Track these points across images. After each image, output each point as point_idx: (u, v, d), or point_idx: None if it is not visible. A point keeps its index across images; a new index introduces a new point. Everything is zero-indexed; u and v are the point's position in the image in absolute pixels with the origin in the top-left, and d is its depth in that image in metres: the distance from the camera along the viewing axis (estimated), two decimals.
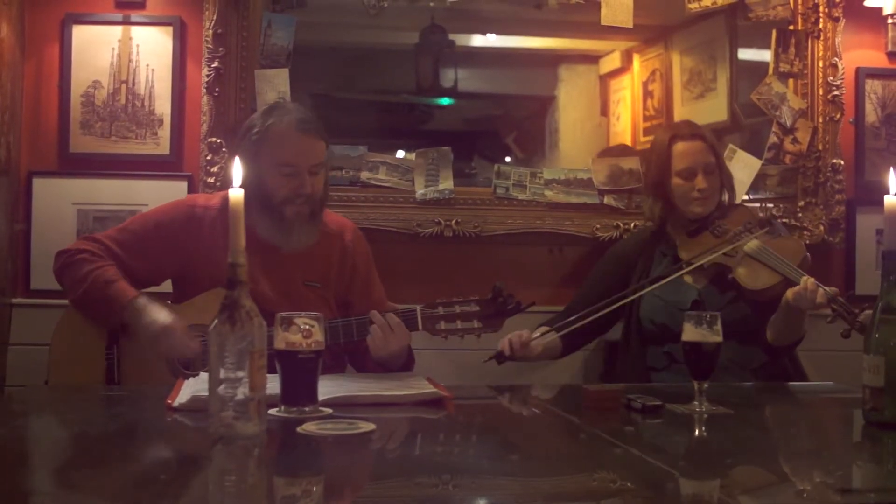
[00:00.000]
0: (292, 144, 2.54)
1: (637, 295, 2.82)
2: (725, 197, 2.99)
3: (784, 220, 3.37)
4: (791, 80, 3.52)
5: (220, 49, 3.22)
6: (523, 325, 2.61)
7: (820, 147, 3.49)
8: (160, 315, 2.41)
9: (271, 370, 1.78)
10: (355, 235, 2.77)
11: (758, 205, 3.40)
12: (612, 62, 3.68)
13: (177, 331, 2.39)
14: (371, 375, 2.40)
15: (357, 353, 2.59)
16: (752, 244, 2.80)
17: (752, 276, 2.76)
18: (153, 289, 2.66)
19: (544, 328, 2.80)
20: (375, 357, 2.43)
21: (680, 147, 2.91)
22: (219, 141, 3.20)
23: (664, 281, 2.78)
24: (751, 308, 2.78)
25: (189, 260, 2.58)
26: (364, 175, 3.32)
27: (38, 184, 3.21)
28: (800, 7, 3.51)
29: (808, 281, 2.59)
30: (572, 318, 2.78)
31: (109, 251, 2.55)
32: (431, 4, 3.47)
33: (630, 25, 3.43)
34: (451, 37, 3.58)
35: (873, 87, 3.58)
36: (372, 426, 1.80)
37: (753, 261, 2.78)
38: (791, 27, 3.52)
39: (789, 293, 2.62)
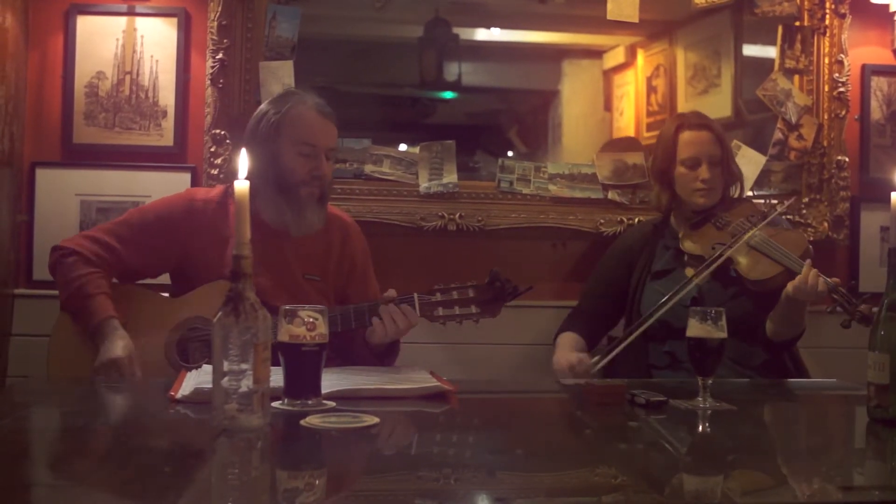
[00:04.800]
0: (312, 125, 2.58)
1: (687, 290, 2.76)
2: (736, 192, 2.99)
3: (788, 217, 3.37)
4: (797, 77, 3.52)
5: (225, 41, 3.21)
6: (522, 312, 2.59)
7: (825, 144, 3.48)
8: (117, 346, 2.40)
9: (275, 363, 1.78)
10: (355, 230, 2.78)
11: (762, 201, 3.39)
12: (615, 57, 3.67)
13: (123, 366, 2.38)
14: (374, 369, 2.39)
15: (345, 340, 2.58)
16: (755, 237, 2.80)
17: (754, 266, 2.75)
18: (151, 281, 2.66)
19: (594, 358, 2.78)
20: (371, 342, 2.44)
21: (686, 136, 2.91)
22: (223, 133, 3.20)
23: (685, 291, 2.73)
24: (752, 304, 2.77)
25: (188, 253, 2.58)
26: (368, 168, 3.32)
27: (42, 174, 3.21)
28: (806, 3, 3.50)
29: (808, 272, 2.59)
30: (619, 340, 2.77)
31: (106, 247, 2.55)
32: None
33: (636, 20, 3.42)
34: (456, 30, 3.57)
35: (879, 84, 3.58)
36: (375, 420, 1.80)
37: (755, 252, 2.77)
38: (797, 23, 3.51)
39: (789, 285, 2.62)
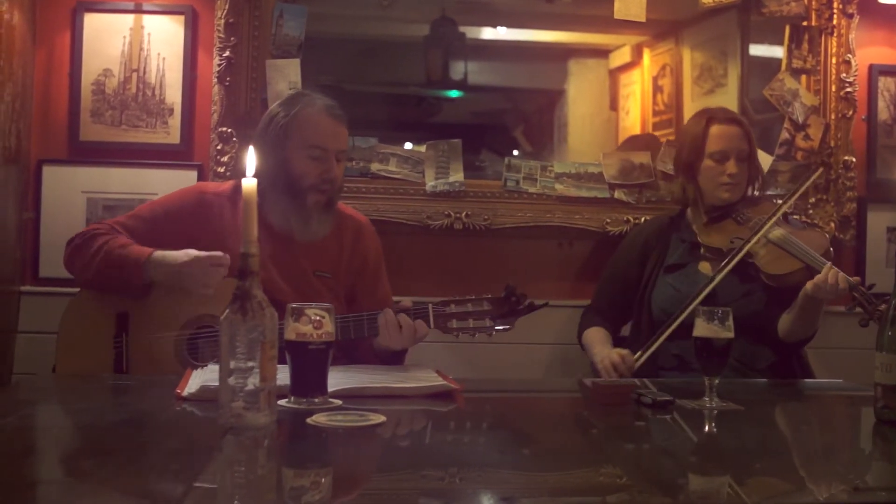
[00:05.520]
0: (323, 128, 2.56)
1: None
2: (755, 190, 2.98)
3: (794, 217, 3.36)
4: (804, 77, 3.51)
5: (232, 38, 3.22)
6: (535, 322, 2.58)
7: (832, 144, 3.48)
8: (182, 254, 2.42)
9: (281, 360, 1.78)
10: (368, 230, 2.77)
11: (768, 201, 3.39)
12: (622, 57, 3.67)
13: (203, 258, 2.40)
14: (381, 367, 2.39)
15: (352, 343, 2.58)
16: (776, 232, 2.80)
17: (774, 261, 2.75)
18: None
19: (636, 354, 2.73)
20: (379, 348, 2.44)
21: (716, 130, 2.91)
22: (229, 130, 3.20)
23: (722, 275, 2.73)
24: (764, 302, 2.77)
25: (197, 246, 2.57)
26: (374, 166, 3.32)
27: (48, 172, 3.21)
28: (813, 3, 3.49)
29: (829, 269, 2.59)
30: (658, 333, 2.72)
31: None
32: None
33: (643, 19, 3.41)
34: (462, 29, 3.56)
35: (886, 84, 3.57)
36: (382, 418, 1.80)
37: (776, 248, 2.77)
38: (805, 23, 3.50)
39: (809, 284, 2.61)
